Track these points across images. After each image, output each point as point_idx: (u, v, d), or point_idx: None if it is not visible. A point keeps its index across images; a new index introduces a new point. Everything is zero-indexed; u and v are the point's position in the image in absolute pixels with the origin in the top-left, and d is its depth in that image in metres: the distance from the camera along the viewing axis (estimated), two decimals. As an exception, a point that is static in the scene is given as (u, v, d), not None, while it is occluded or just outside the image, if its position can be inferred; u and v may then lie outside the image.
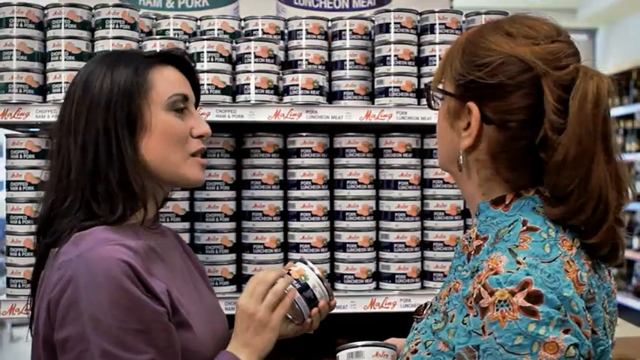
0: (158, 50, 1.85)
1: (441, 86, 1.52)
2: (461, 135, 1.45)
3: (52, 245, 1.67)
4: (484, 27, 1.48)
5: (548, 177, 1.37)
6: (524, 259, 1.29)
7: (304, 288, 1.85)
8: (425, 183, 2.45)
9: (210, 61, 2.32)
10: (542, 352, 1.23)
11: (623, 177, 1.40)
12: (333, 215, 2.42)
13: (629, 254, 8.10)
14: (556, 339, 1.23)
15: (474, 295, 1.29)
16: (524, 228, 1.37)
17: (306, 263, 1.89)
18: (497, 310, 1.25)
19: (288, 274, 1.86)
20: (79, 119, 1.70)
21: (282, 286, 1.82)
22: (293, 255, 2.37)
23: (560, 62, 1.39)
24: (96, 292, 1.53)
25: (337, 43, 2.46)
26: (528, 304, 1.24)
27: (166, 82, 1.77)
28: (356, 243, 2.39)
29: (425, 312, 1.58)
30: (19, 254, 2.29)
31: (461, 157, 1.46)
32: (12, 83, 2.30)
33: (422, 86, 2.41)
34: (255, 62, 2.34)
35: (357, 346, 1.47)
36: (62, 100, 1.79)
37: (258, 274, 1.84)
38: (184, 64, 1.85)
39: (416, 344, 1.43)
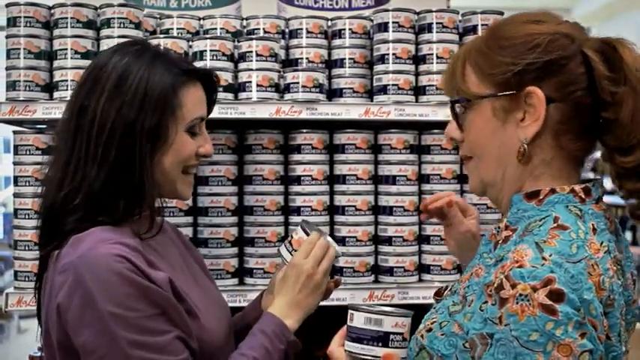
0: (189, 63, 1.80)
1: (458, 97, 1.50)
2: (520, 127, 1.42)
3: (55, 247, 1.65)
4: (502, 25, 1.48)
5: (618, 130, 1.38)
6: (550, 255, 1.27)
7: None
8: (422, 178, 2.45)
9: (212, 60, 2.32)
10: (555, 353, 1.22)
11: None
12: (332, 210, 2.43)
13: (621, 248, 8.10)
14: (571, 342, 1.22)
15: (495, 285, 1.28)
16: (555, 225, 1.35)
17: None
18: (517, 303, 1.23)
19: (290, 242, 1.86)
20: (107, 115, 1.64)
21: (333, 253, 1.83)
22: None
23: (585, 33, 1.45)
24: (107, 290, 1.53)
25: (337, 41, 2.46)
26: (549, 302, 1.22)
27: (193, 103, 1.73)
28: (355, 237, 2.40)
29: (445, 293, 1.56)
30: (27, 248, 2.29)
31: (525, 147, 1.42)
32: (19, 81, 2.31)
33: (420, 84, 2.41)
34: (256, 60, 2.34)
35: (376, 312, 1.39)
36: (75, 89, 1.74)
37: (311, 237, 1.84)
38: (210, 81, 1.82)
39: (431, 323, 1.41)
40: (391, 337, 1.33)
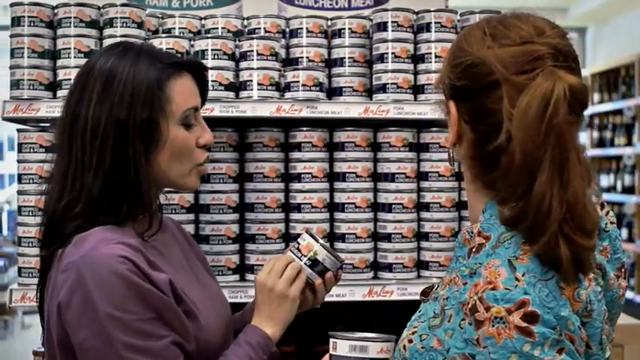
0: (173, 56, 1.80)
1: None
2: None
3: (58, 246, 1.65)
4: (476, 24, 1.44)
5: (499, 181, 1.31)
6: (522, 275, 1.24)
7: (315, 264, 1.84)
8: (421, 176, 2.45)
9: (214, 59, 2.32)
10: None
11: (580, 197, 1.26)
12: (332, 207, 2.43)
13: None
14: None
15: (470, 306, 1.25)
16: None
17: (312, 235, 1.87)
18: (492, 326, 1.21)
19: (298, 249, 1.86)
20: (99, 119, 1.64)
21: (299, 262, 1.84)
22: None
23: (524, 67, 1.30)
24: (107, 291, 1.53)
25: (337, 41, 2.46)
26: (524, 324, 1.19)
27: (182, 94, 1.72)
28: (354, 234, 2.40)
29: (431, 293, 1.52)
30: (30, 244, 2.29)
31: (450, 152, 1.44)
32: (23, 80, 2.31)
33: (418, 83, 2.41)
34: (257, 60, 2.34)
35: (361, 339, 1.37)
36: (65, 98, 1.75)
37: (275, 256, 1.86)
38: (198, 70, 1.81)
39: (412, 333, 1.39)
40: None
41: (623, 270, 1.45)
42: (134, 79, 1.66)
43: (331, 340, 1.37)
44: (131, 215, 1.67)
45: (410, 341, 1.37)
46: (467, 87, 1.35)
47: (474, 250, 1.38)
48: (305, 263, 1.83)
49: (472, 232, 1.40)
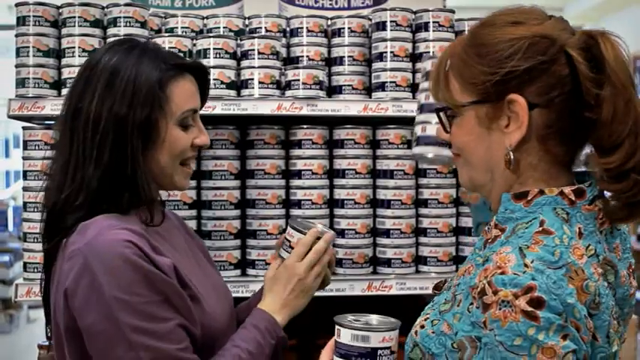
0: (177, 57, 1.79)
1: (443, 104, 1.46)
2: (505, 133, 1.38)
3: (62, 236, 1.65)
4: (481, 29, 1.42)
5: (602, 130, 1.33)
6: (532, 262, 1.25)
7: None
8: (419, 172, 2.45)
9: (216, 58, 2.32)
10: (540, 355, 1.20)
11: None
12: (332, 203, 2.43)
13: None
14: (554, 345, 1.20)
15: (479, 289, 1.26)
16: (540, 229, 1.32)
17: (294, 227, 1.88)
18: (499, 309, 1.22)
19: (290, 246, 1.87)
20: (100, 114, 1.64)
21: (327, 260, 1.86)
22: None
23: (568, 30, 1.38)
24: (113, 275, 1.53)
25: (336, 40, 2.45)
26: (530, 309, 1.21)
27: (182, 96, 1.72)
28: (354, 229, 2.40)
29: (444, 288, 1.54)
30: (36, 240, 2.29)
31: (511, 154, 1.37)
32: (28, 78, 2.30)
33: (417, 81, 2.41)
34: (258, 58, 2.34)
35: (363, 328, 1.34)
36: (68, 91, 1.74)
37: (305, 239, 1.86)
38: (200, 72, 1.81)
39: (424, 319, 1.41)
40: (379, 352, 1.30)
41: (631, 270, 1.45)
42: (136, 77, 1.66)
43: (336, 327, 1.36)
44: (133, 205, 1.67)
45: (422, 327, 1.39)
46: (537, 65, 1.34)
47: (489, 241, 1.40)
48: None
49: (490, 226, 1.43)
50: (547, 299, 1.22)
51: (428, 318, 1.40)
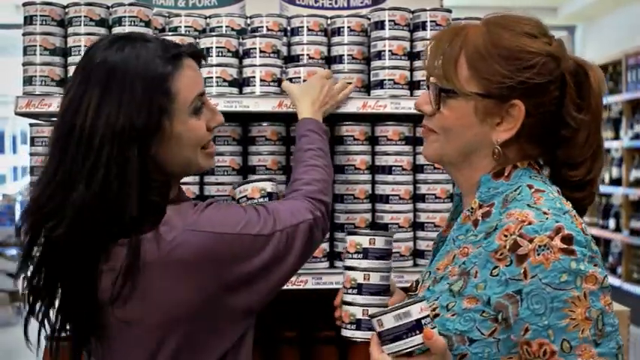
0: (169, 48, 1.69)
1: (446, 86, 1.49)
2: (495, 129, 1.47)
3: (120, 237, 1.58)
4: (502, 31, 1.47)
5: (572, 149, 1.48)
6: (548, 210, 1.37)
7: (270, 196, 2.03)
8: (417, 168, 2.45)
9: (218, 56, 2.32)
10: (585, 285, 1.31)
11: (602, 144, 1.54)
12: (332, 198, 2.42)
13: (605, 234, 8.11)
14: (594, 272, 1.33)
15: (507, 247, 1.35)
16: (534, 190, 1.43)
17: (242, 184, 2.05)
18: (538, 254, 1.32)
19: (247, 198, 2.02)
20: (99, 114, 1.58)
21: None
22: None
23: (566, 54, 1.49)
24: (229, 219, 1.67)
25: (336, 39, 2.45)
26: (565, 245, 1.32)
27: (188, 85, 1.66)
28: (353, 224, 2.40)
29: (419, 287, 1.57)
30: (43, 234, 2.29)
31: (498, 149, 1.47)
32: (35, 76, 2.31)
33: (414, 79, 2.41)
34: (260, 57, 2.34)
35: (401, 306, 1.34)
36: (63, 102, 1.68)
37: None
38: (194, 54, 1.76)
39: (433, 309, 1.42)
40: (422, 321, 1.33)
41: None
42: (133, 84, 1.60)
43: (375, 321, 1.36)
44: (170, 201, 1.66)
45: (436, 316, 1.41)
46: (544, 84, 1.44)
47: (479, 219, 1.47)
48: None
49: (472, 209, 1.49)
50: (574, 235, 1.33)
51: (436, 307, 1.42)
